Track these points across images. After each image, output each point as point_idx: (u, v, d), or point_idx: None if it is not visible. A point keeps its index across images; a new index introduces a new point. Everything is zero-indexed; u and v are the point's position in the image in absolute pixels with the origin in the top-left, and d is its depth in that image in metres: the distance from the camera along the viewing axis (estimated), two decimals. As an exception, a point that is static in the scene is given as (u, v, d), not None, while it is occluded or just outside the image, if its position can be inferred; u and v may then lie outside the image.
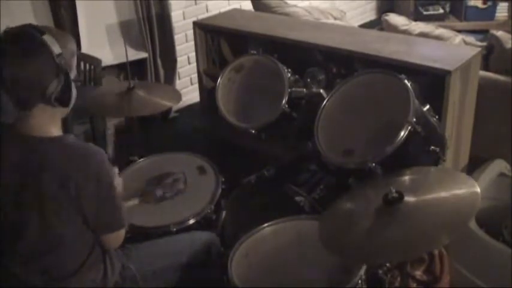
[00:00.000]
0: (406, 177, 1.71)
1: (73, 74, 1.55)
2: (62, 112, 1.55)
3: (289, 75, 2.35)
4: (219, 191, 2.10)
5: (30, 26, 1.49)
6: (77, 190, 1.46)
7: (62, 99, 1.49)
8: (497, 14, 5.13)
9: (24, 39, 1.45)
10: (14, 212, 1.51)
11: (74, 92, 1.54)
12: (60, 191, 1.45)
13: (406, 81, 1.88)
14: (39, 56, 1.43)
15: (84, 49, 3.25)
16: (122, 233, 1.62)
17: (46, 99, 1.46)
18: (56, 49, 1.45)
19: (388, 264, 1.82)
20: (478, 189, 1.50)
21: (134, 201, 2.05)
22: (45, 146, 1.49)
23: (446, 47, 2.55)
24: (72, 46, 1.56)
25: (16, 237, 1.53)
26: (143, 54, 3.51)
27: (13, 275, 1.58)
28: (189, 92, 3.92)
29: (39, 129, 1.50)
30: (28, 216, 1.49)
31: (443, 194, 1.56)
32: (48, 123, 1.51)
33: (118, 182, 1.85)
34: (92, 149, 1.51)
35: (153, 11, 3.43)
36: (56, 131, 1.53)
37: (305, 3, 4.31)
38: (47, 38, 1.44)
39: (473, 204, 1.47)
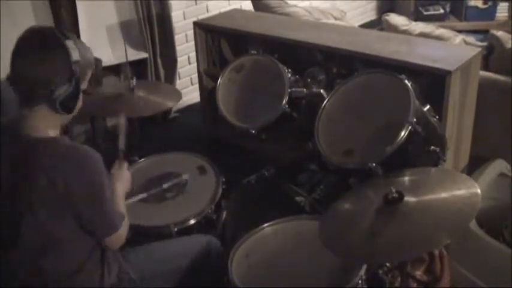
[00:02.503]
0: (407, 178, 1.71)
1: (84, 85, 1.55)
2: (63, 118, 1.55)
3: (290, 75, 2.35)
4: (220, 191, 2.11)
5: (56, 27, 1.50)
6: (65, 189, 1.44)
7: (66, 106, 1.49)
8: (497, 14, 5.12)
9: (47, 38, 1.46)
10: (8, 212, 1.51)
11: (80, 102, 1.55)
12: (49, 190, 1.44)
13: (406, 81, 1.88)
14: (57, 57, 1.45)
15: (85, 49, 3.25)
16: (119, 234, 1.61)
17: (51, 101, 1.47)
18: (75, 55, 1.46)
19: (388, 264, 1.82)
20: (479, 190, 1.50)
21: (143, 195, 2.05)
22: (39, 145, 1.48)
23: (446, 47, 2.55)
24: (90, 56, 1.56)
25: (11, 238, 1.52)
26: (143, 54, 3.51)
27: (11, 275, 1.57)
28: (189, 92, 3.92)
29: (36, 129, 1.49)
30: (21, 217, 1.48)
31: (443, 194, 1.56)
32: (47, 125, 1.51)
33: (127, 177, 1.85)
34: (86, 151, 1.50)
35: (154, 11, 3.43)
36: (52, 133, 1.52)
37: (305, 3, 4.30)
38: (69, 43, 1.46)
39: (474, 205, 1.47)
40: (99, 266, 1.63)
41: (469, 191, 1.52)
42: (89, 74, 1.57)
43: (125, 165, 1.88)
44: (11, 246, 1.53)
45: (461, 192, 1.54)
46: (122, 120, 1.97)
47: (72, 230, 1.53)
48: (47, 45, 1.46)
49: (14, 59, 1.47)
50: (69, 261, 1.56)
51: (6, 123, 1.57)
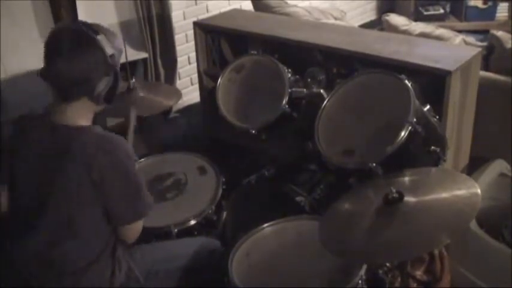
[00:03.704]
0: (407, 178, 1.72)
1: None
2: (99, 108, 1.60)
3: (290, 75, 2.35)
4: (220, 191, 2.11)
5: (83, 23, 1.54)
6: (100, 176, 1.48)
7: (108, 98, 1.56)
8: (497, 14, 5.12)
9: (80, 37, 1.50)
10: (34, 198, 1.53)
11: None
12: (83, 178, 1.48)
13: (406, 81, 1.88)
14: (93, 55, 1.49)
15: (85, 49, 3.25)
16: (139, 224, 1.64)
17: (93, 96, 1.52)
18: (109, 50, 1.51)
19: (388, 264, 1.82)
20: (479, 190, 1.51)
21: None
22: (72, 134, 1.52)
23: (446, 47, 2.55)
24: (120, 44, 1.60)
25: (31, 224, 1.54)
26: (143, 54, 3.51)
27: (23, 266, 1.58)
28: (189, 92, 3.92)
29: (70, 119, 1.53)
30: (47, 203, 1.51)
31: (443, 194, 1.56)
32: (82, 116, 1.55)
33: None
34: (118, 139, 1.54)
35: (154, 11, 3.43)
36: (85, 122, 1.57)
37: (305, 3, 4.30)
38: (101, 38, 1.50)
39: (474, 205, 1.47)
40: (110, 263, 1.64)
41: (469, 191, 1.53)
42: (120, 59, 1.61)
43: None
44: (26, 235, 1.55)
45: (461, 192, 1.54)
46: (132, 114, 1.97)
47: (95, 219, 1.55)
48: (80, 44, 1.49)
49: (48, 61, 1.50)
50: (82, 254, 1.57)
51: (39, 113, 1.61)
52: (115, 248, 1.65)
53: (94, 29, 1.52)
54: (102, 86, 1.52)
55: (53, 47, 1.50)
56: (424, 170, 1.77)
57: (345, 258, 1.62)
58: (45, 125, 1.55)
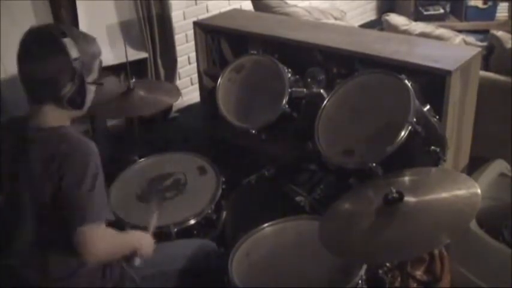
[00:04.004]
0: (406, 178, 1.71)
1: (93, 77, 1.58)
2: (74, 113, 1.58)
3: (290, 75, 2.35)
4: (220, 191, 2.11)
5: (54, 26, 1.53)
6: (58, 174, 1.44)
7: (74, 103, 1.53)
8: (497, 14, 5.12)
9: (44, 39, 1.49)
10: (14, 198, 1.53)
11: (91, 95, 1.58)
12: (44, 177, 1.46)
13: (406, 81, 1.88)
14: (56, 58, 1.47)
15: (85, 49, 3.24)
16: (94, 233, 1.47)
17: (58, 100, 1.50)
18: (74, 53, 1.48)
19: (388, 264, 1.82)
20: (479, 190, 1.50)
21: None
22: (40, 133, 1.51)
23: (446, 47, 2.55)
24: (94, 49, 1.58)
25: (13, 230, 1.54)
26: (143, 54, 3.51)
27: (12, 273, 1.58)
28: (189, 92, 3.92)
29: (44, 123, 1.52)
30: (23, 208, 1.51)
31: (443, 194, 1.56)
32: (56, 119, 1.54)
33: (149, 245, 1.74)
34: (83, 140, 1.52)
35: (154, 11, 3.43)
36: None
37: (305, 3, 4.30)
38: (67, 41, 1.48)
39: (474, 205, 1.47)
40: (101, 265, 1.62)
41: (469, 191, 1.52)
42: (96, 65, 1.59)
43: (153, 242, 1.76)
44: (13, 238, 1.55)
45: (461, 192, 1.54)
46: (153, 221, 1.87)
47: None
48: (45, 46, 1.48)
49: (18, 61, 1.51)
50: (70, 257, 1.54)
51: (19, 116, 1.60)
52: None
53: (62, 32, 1.49)
54: (66, 90, 1.49)
55: (21, 49, 1.50)
56: (424, 170, 1.77)
57: (345, 258, 1.62)
58: (19, 128, 1.54)
